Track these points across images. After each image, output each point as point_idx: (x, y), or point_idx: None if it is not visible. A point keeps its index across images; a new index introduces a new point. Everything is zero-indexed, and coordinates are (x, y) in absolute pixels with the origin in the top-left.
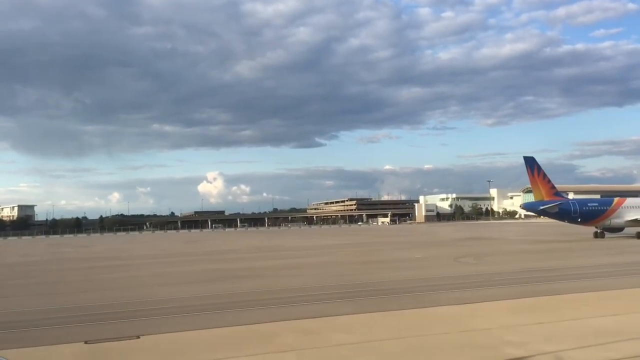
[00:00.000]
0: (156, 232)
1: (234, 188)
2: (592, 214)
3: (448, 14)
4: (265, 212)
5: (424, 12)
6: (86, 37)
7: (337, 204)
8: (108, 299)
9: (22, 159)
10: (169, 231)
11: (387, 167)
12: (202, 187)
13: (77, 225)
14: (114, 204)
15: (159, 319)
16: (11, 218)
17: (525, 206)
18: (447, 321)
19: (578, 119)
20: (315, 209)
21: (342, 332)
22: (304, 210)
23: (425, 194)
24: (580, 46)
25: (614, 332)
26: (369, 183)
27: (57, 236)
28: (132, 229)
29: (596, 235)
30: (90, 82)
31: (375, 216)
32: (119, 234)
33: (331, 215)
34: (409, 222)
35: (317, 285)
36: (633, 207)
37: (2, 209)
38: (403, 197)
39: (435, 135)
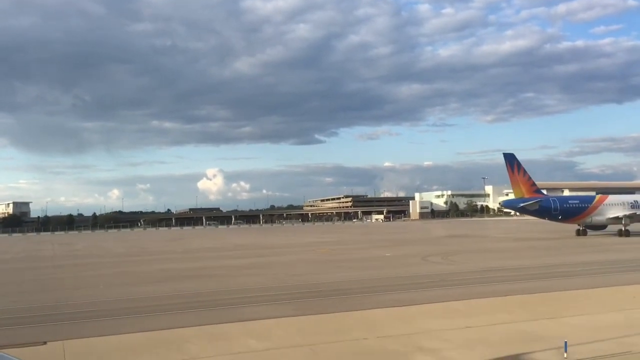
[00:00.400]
0: (148, 229)
1: (234, 185)
2: (573, 211)
3: (448, 10)
4: (259, 210)
5: (424, 8)
6: (86, 34)
7: (333, 201)
8: (41, 301)
9: (22, 155)
10: (161, 228)
11: (387, 163)
12: (202, 184)
13: (69, 222)
14: (113, 200)
15: (80, 322)
16: (6, 215)
17: (505, 204)
18: (372, 325)
19: (578, 115)
20: (311, 205)
21: (254, 337)
22: (301, 207)
23: (425, 191)
24: (580, 43)
25: (538, 337)
26: (368, 180)
27: (48, 233)
28: (126, 226)
29: (578, 232)
30: (90, 78)
31: (371, 213)
32: (110, 231)
33: (326, 213)
34: (403, 219)
35: (268, 285)
36: (615, 204)
37: None
38: (402, 194)
39: (435, 132)
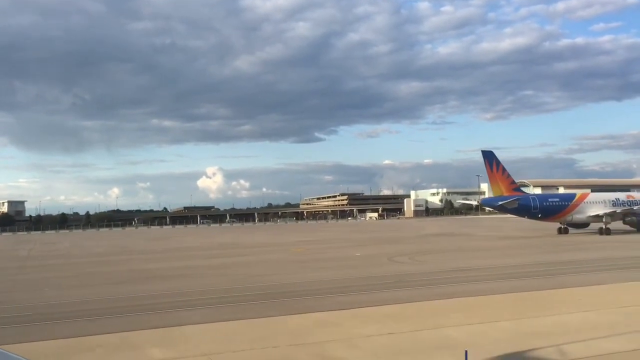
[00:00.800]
0: (140, 228)
1: (234, 183)
2: (553, 209)
3: (447, 8)
4: (256, 208)
5: (423, 6)
6: (85, 33)
7: (329, 199)
8: None
9: (22, 154)
10: (153, 227)
11: (387, 161)
12: (202, 182)
13: (62, 221)
14: (112, 199)
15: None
16: (1, 214)
17: (484, 202)
18: (296, 331)
19: (577, 113)
20: (307, 204)
21: (161, 346)
22: (298, 206)
23: (425, 189)
24: (579, 40)
25: (461, 344)
26: (368, 178)
27: (39, 232)
28: (118, 225)
29: (560, 231)
30: (90, 77)
31: (366, 211)
32: (102, 230)
33: (322, 211)
34: (397, 217)
35: (224, 287)
36: (595, 202)
37: None
38: (401, 192)
39: (434, 130)
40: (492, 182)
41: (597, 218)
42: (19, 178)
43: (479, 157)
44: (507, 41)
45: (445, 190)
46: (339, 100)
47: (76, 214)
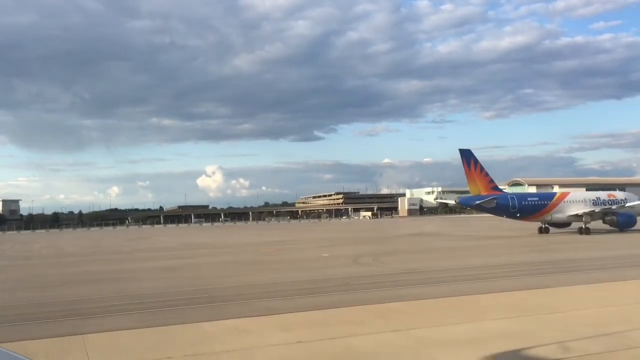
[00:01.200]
0: (131, 227)
1: (233, 182)
2: (532, 208)
3: (447, 6)
4: (253, 207)
5: (423, 4)
6: (84, 31)
7: (325, 198)
8: None
9: (21, 153)
10: (144, 226)
11: (386, 160)
12: (202, 181)
13: (55, 220)
14: (112, 197)
15: None
16: None
17: (461, 201)
18: (200, 340)
19: (577, 111)
20: (303, 202)
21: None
22: (294, 205)
23: (424, 187)
24: (579, 39)
25: (361, 354)
26: (368, 176)
27: (29, 232)
28: (108, 224)
29: (540, 230)
30: (89, 76)
31: (360, 210)
32: (92, 229)
33: (317, 209)
34: (392, 216)
35: (159, 291)
36: (575, 201)
37: None
38: (401, 191)
39: (434, 129)
40: (470, 181)
41: (577, 217)
42: (18, 177)
43: (479, 156)
44: (507, 39)
45: (440, 189)
46: (338, 99)
47: (71, 212)
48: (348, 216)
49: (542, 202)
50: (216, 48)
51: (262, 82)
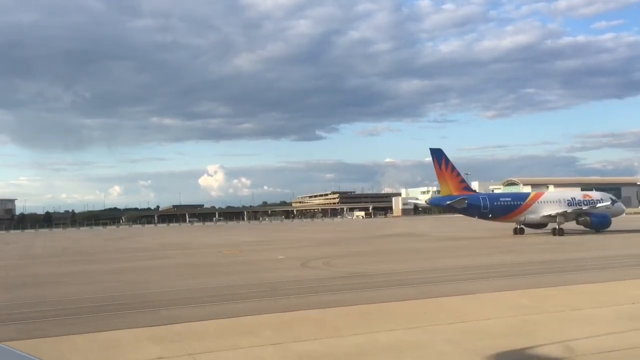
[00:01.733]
0: (122, 227)
1: (235, 181)
2: (504, 209)
3: (449, 6)
4: (250, 206)
5: (425, 4)
6: (86, 30)
7: (321, 197)
8: None
9: (22, 152)
10: (135, 226)
11: (388, 159)
12: (203, 181)
13: (47, 220)
14: (114, 197)
15: None
16: None
17: (431, 202)
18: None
19: (579, 111)
20: (300, 202)
21: None
22: (291, 204)
23: (421, 187)
24: (581, 38)
25: None
26: (369, 176)
27: (18, 231)
28: (104, 224)
29: (515, 231)
30: (90, 75)
31: (354, 210)
32: (82, 229)
33: (313, 209)
34: (386, 216)
35: (78, 297)
36: (550, 202)
37: None
38: (402, 190)
39: (435, 128)
40: (440, 181)
41: (551, 218)
42: (20, 176)
43: (481, 155)
44: (509, 39)
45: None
46: (340, 98)
47: (66, 211)
48: (342, 216)
49: (515, 203)
50: (217, 47)
51: (264, 82)
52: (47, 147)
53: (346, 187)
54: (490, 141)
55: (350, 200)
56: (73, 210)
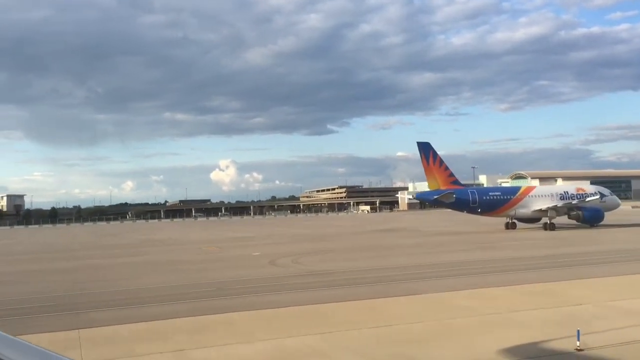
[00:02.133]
0: (126, 222)
1: (247, 176)
2: (493, 203)
3: None
4: (260, 201)
5: None
6: (98, 26)
7: (328, 192)
8: None
9: (36, 148)
10: (139, 221)
11: (400, 153)
12: (215, 175)
13: (52, 215)
14: (127, 192)
15: None
16: (1, 208)
17: (418, 196)
18: None
19: (593, 103)
20: (307, 196)
21: None
22: (299, 199)
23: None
24: (596, 29)
25: None
26: (381, 170)
27: (23, 227)
28: (107, 220)
29: (507, 226)
30: (103, 71)
31: (359, 204)
32: (85, 224)
33: (320, 204)
34: (392, 210)
35: (20, 297)
36: (541, 195)
37: None
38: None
39: (448, 122)
40: (428, 175)
41: (542, 212)
42: (33, 172)
43: (494, 149)
44: (522, 31)
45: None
46: (351, 92)
47: (75, 207)
48: (348, 210)
49: (505, 197)
50: (228, 42)
51: (275, 76)
52: (61, 143)
53: (358, 181)
54: (503, 134)
55: (357, 194)
56: (79, 206)
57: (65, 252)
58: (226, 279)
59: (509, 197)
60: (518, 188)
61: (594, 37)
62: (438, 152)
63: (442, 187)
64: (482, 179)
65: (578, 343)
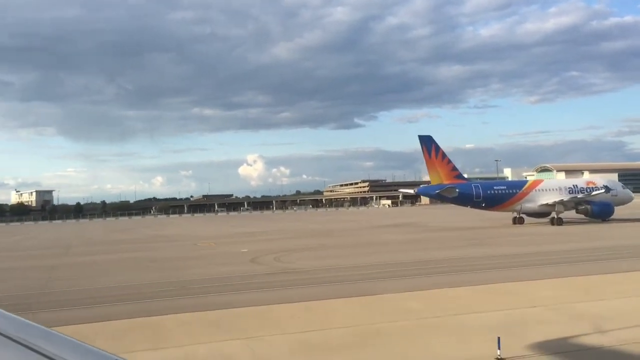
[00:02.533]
0: (147, 217)
1: (274, 170)
2: (498, 198)
3: None
4: (284, 195)
5: None
6: (128, 24)
7: (351, 186)
8: None
9: (69, 144)
10: (160, 216)
11: None
12: (243, 170)
13: (78, 210)
14: (157, 187)
15: None
16: (30, 203)
17: (419, 191)
18: None
19: (626, 94)
20: (330, 191)
21: None
22: (322, 193)
23: (468, 174)
24: (628, 18)
25: None
26: (409, 163)
27: (47, 222)
28: (129, 215)
29: (514, 221)
30: (132, 68)
31: (382, 198)
32: (108, 219)
33: (342, 198)
34: (416, 204)
35: None
36: (549, 189)
37: (22, 194)
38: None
39: (476, 114)
40: (430, 169)
41: (549, 207)
42: (67, 167)
43: (524, 141)
44: (552, 21)
45: (465, 176)
46: (378, 86)
47: (103, 202)
48: (370, 205)
49: (510, 191)
50: (255, 37)
51: (301, 70)
52: (93, 139)
53: (385, 174)
54: (533, 127)
55: (380, 188)
56: (104, 201)
57: (64, 249)
58: (196, 277)
59: (514, 191)
60: (524, 182)
61: (627, 27)
62: (470, 145)
63: (445, 182)
64: (507, 172)
65: (499, 352)
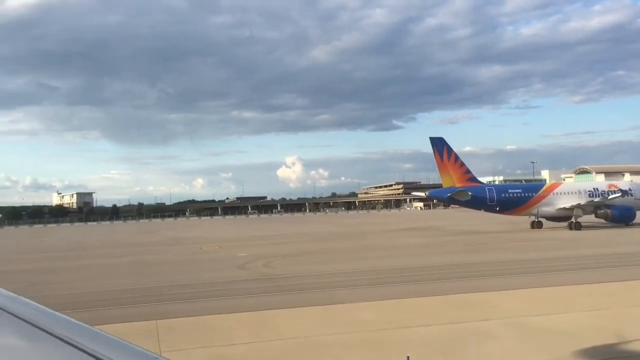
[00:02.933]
0: (179, 219)
1: (313, 172)
2: (514, 201)
3: None
4: (318, 197)
5: None
6: (169, 29)
7: (385, 188)
8: None
9: (113, 147)
10: (192, 218)
11: (468, 148)
12: (281, 172)
13: (114, 212)
14: (197, 189)
15: None
16: (71, 205)
17: (431, 194)
18: None
19: None
20: (365, 193)
21: None
22: (357, 195)
23: (508, 175)
24: None
25: None
26: None
27: (82, 224)
28: (162, 217)
29: (532, 225)
30: (173, 72)
31: (414, 200)
32: (141, 221)
33: (376, 200)
34: (445, 207)
35: None
36: (567, 193)
37: (63, 196)
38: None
39: (517, 115)
40: (442, 172)
41: (567, 211)
42: (110, 170)
43: (568, 142)
44: (596, 19)
45: (501, 177)
46: (417, 87)
47: (140, 204)
48: (402, 207)
49: (526, 195)
50: (293, 40)
51: (339, 72)
52: (135, 142)
53: (422, 176)
54: (577, 127)
55: (414, 190)
56: (141, 203)
57: (75, 251)
58: (170, 283)
59: (530, 194)
60: (542, 185)
61: None
62: (512, 146)
63: (457, 185)
64: (545, 174)
65: None
